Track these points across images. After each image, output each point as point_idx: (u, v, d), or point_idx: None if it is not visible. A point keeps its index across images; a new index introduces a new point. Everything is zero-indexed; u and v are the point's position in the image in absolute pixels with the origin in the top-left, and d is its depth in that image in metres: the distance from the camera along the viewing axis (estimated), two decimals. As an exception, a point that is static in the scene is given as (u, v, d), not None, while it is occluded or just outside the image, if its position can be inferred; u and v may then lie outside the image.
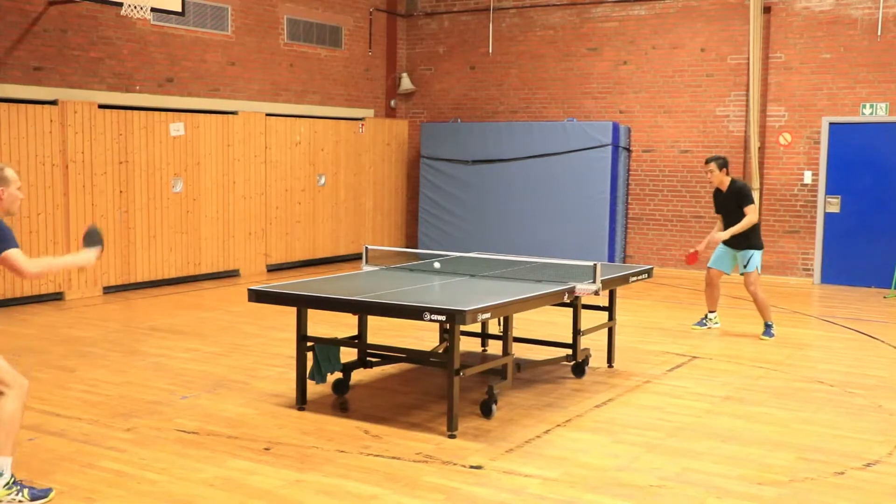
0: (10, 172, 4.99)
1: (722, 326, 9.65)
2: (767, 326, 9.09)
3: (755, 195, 13.29)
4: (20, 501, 4.57)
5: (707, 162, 9.07)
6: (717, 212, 9.28)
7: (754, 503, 4.78)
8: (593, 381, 7.32)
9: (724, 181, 9.01)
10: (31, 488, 4.64)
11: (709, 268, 9.44)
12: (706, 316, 9.57)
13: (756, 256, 8.99)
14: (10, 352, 8.12)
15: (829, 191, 13.02)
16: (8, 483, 4.56)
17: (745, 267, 9.03)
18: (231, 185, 12.90)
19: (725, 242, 9.12)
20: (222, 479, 5.01)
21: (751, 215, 8.85)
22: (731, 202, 8.98)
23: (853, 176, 12.86)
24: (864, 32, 12.60)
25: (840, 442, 5.80)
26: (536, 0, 15.00)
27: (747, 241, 8.99)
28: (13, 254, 4.70)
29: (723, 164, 8.99)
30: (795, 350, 8.62)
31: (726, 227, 9.06)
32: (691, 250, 9.35)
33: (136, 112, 11.65)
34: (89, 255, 4.95)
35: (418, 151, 15.80)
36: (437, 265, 7.52)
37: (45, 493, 4.66)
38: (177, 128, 12.09)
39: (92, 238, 5.03)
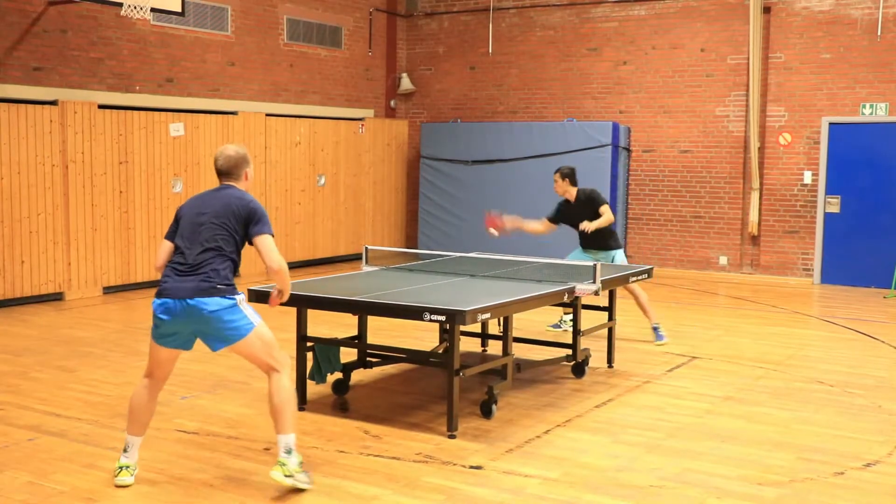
0: (248, 154, 5.11)
1: (722, 326, 9.64)
2: (655, 329, 8.79)
3: (755, 195, 13.33)
4: (304, 481, 4.73)
5: (556, 171, 8.82)
6: (560, 222, 8.92)
7: (754, 503, 4.78)
8: (593, 381, 7.32)
9: (571, 192, 8.76)
10: (306, 473, 4.81)
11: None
12: (561, 318, 9.22)
13: (619, 255, 8.82)
14: (11, 352, 8.13)
15: (829, 191, 13.02)
16: (300, 462, 4.73)
17: (612, 261, 8.74)
18: (231, 186, 12.88)
19: (585, 245, 8.88)
20: (222, 479, 5.01)
21: (609, 213, 8.67)
22: (585, 210, 8.67)
23: (853, 176, 12.86)
24: (863, 32, 12.60)
25: (840, 442, 5.80)
26: (536, 0, 15.00)
27: (607, 241, 8.79)
28: (273, 241, 4.85)
29: (565, 174, 8.73)
30: (795, 350, 8.62)
31: (580, 235, 8.83)
32: (493, 215, 8.88)
33: (136, 112, 11.65)
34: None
35: (418, 152, 15.80)
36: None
37: (309, 479, 4.83)
38: (177, 128, 12.09)
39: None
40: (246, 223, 4.82)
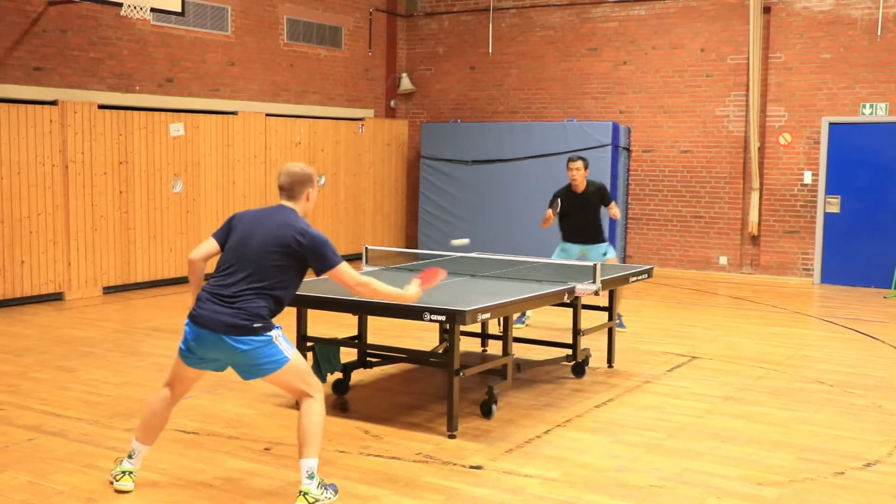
0: (315, 174, 4.92)
1: (722, 326, 9.65)
2: (618, 317, 8.81)
3: (755, 195, 13.33)
4: (329, 499, 4.63)
5: (575, 159, 8.89)
6: (560, 211, 8.93)
7: (754, 503, 4.78)
8: (593, 381, 7.32)
9: (584, 182, 8.96)
10: (330, 484, 4.73)
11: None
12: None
13: (610, 248, 9.09)
14: (11, 352, 8.13)
15: (829, 191, 13.02)
16: (320, 483, 4.61)
17: (604, 255, 8.94)
18: (231, 186, 12.90)
19: (575, 240, 9.04)
20: (222, 479, 5.01)
21: (618, 210, 8.99)
22: (589, 202, 8.90)
23: (853, 176, 12.86)
24: (863, 32, 12.60)
25: (840, 442, 5.80)
26: (536, 0, 15.00)
27: (599, 235, 9.02)
28: (345, 268, 4.72)
29: (588, 164, 8.95)
30: (795, 350, 8.62)
31: (574, 227, 8.98)
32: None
33: (136, 112, 11.65)
34: (412, 290, 5.00)
35: (418, 152, 15.80)
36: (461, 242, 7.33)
37: (335, 487, 4.75)
38: (177, 128, 12.09)
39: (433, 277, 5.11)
40: (303, 258, 4.64)
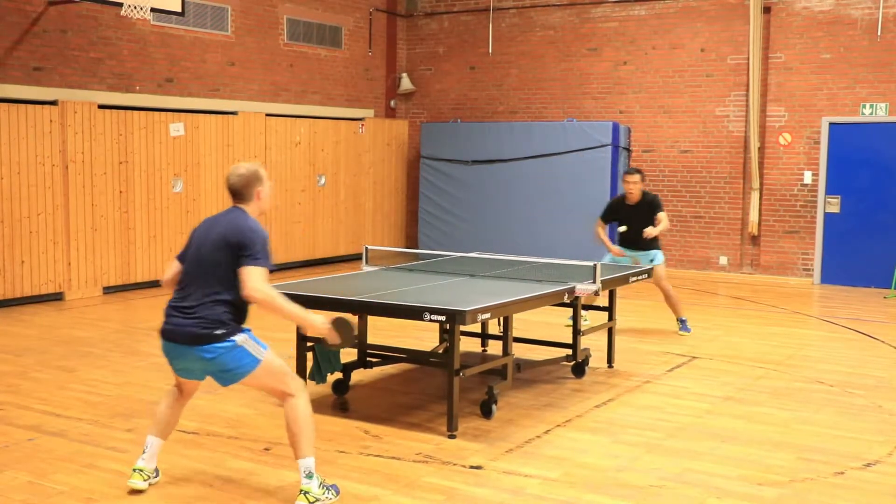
0: (263, 171, 4.78)
1: (722, 326, 9.65)
2: (682, 322, 9.25)
3: (755, 195, 13.33)
4: (330, 499, 4.63)
5: (632, 172, 9.13)
6: (610, 221, 9.40)
7: (754, 503, 4.78)
8: (593, 381, 7.32)
9: (639, 194, 9.14)
10: (332, 485, 4.71)
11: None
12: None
13: (659, 254, 9.16)
14: (11, 352, 8.13)
15: (829, 191, 13.02)
16: (321, 483, 4.62)
17: (652, 261, 9.03)
18: (231, 186, 12.87)
19: (628, 245, 9.20)
20: (222, 479, 5.01)
21: (666, 219, 9.07)
22: (643, 212, 9.03)
23: (853, 176, 12.86)
24: (864, 32, 12.60)
25: (840, 442, 5.80)
26: (536, 0, 15.00)
27: (651, 243, 9.12)
28: (258, 273, 4.48)
29: (644, 177, 9.22)
30: (795, 350, 8.62)
31: (628, 236, 9.16)
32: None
33: (136, 112, 11.65)
34: (320, 321, 4.69)
35: (418, 152, 15.80)
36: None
37: (336, 487, 4.74)
38: (177, 128, 12.09)
39: (342, 327, 4.78)
40: (237, 254, 4.51)
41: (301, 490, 4.56)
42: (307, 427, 4.60)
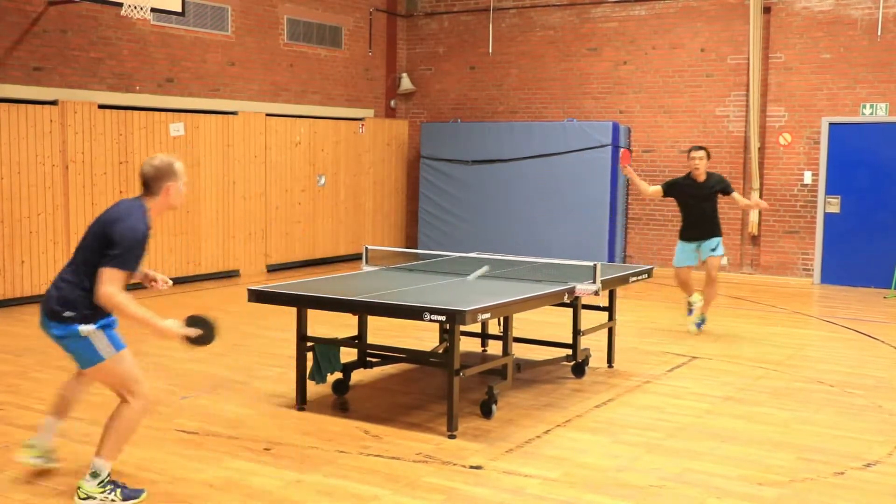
0: (179, 166, 4.67)
1: (722, 326, 9.64)
2: (702, 321, 9.23)
3: (755, 195, 13.32)
4: (112, 500, 4.58)
5: (698, 149, 9.08)
6: (671, 196, 9.38)
7: (754, 503, 4.78)
8: (593, 381, 7.32)
9: (704, 172, 9.13)
10: (123, 488, 4.65)
11: (677, 267, 9.40)
12: (689, 303, 9.40)
13: (721, 244, 9.20)
14: (11, 352, 8.13)
15: (829, 191, 13.02)
16: (102, 482, 4.58)
17: (713, 250, 9.09)
18: (231, 186, 12.90)
19: (692, 237, 9.19)
20: (222, 479, 5.01)
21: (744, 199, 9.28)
22: (712, 192, 9.07)
23: (853, 176, 12.86)
24: (864, 32, 12.60)
25: (840, 442, 5.80)
26: (536, 0, 15.00)
27: (716, 228, 9.15)
28: (118, 275, 4.41)
29: (709, 154, 9.19)
30: (795, 350, 8.62)
31: (692, 218, 9.16)
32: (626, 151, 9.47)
33: (136, 112, 11.65)
34: (173, 326, 4.53)
35: (418, 152, 15.80)
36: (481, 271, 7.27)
37: (137, 494, 4.68)
38: (177, 128, 12.09)
39: (200, 325, 4.59)
40: (104, 250, 4.42)
41: (78, 485, 4.59)
42: (123, 435, 4.60)
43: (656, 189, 9.41)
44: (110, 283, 4.39)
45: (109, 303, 4.40)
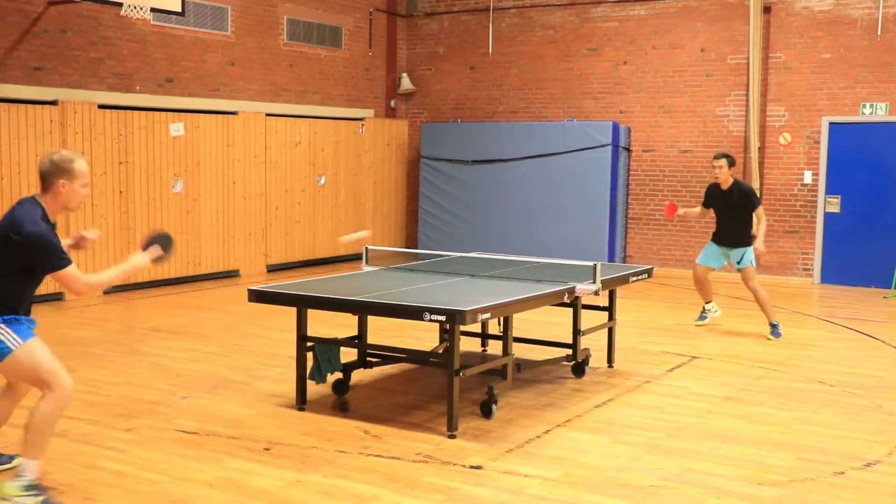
0: (78, 165, 4.57)
1: (722, 326, 9.64)
2: (773, 326, 9.08)
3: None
4: (39, 501, 4.47)
5: (718, 157, 9.17)
6: (708, 206, 9.49)
7: (754, 503, 4.78)
8: (593, 381, 7.32)
9: (729, 180, 9.15)
10: (47, 499, 4.51)
11: (697, 264, 9.54)
12: (704, 309, 9.64)
13: (749, 252, 9.11)
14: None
15: (829, 191, 13.02)
16: (27, 485, 4.46)
17: (738, 263, 9.13)
18: (231, 186, 12.90)
19: (719, 242, 9.30)
20: (222, 479, 5.01)
21: (764, 217, 9.20)
22: (733, 202, 9.10)
23: (853, 176, 12.86)
24: (864, 32, 12.60)
25: (840, 442, 5.80)
26: (536, 0, 15.00)
27: (742, 238, 9.14)
28: (71, 271, 4.46)
29: (732, 162, 9.17)
30: (795, 350, 8.62)
31: (719, 225, 9.30)
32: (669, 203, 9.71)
33: (136, 112, 11.65)
34: (141, 257, 4.73)
35: (418, 152, 15.80)
36: None
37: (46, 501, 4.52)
38: (177, 128, 12.09)
39: (158, 241, 4.81)
40: (20, 255, 4.43)
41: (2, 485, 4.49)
42: (43, 430, 4.48)
43: (702, 209, 9.67)
44: (80, 279, 4.49)
45: (94, 290, 4.60)
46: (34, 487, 4.47)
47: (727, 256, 9.29)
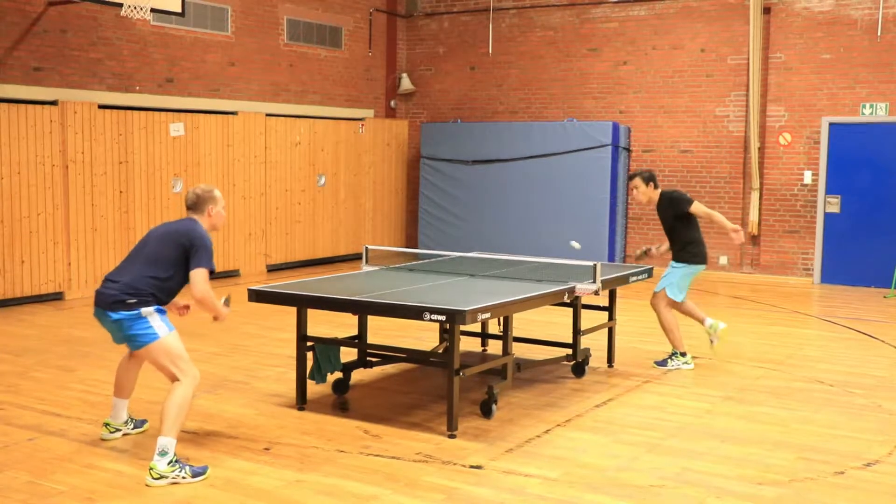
0: (218, 193, 5.52)
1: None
2: (670, 356, 7.84)
3: (755, 195, 13.32)
4: (183, 478, 4.90)
5: (631, 178, 8.01)
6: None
7: (754, 503, 4.78)
8: (593, 381, 7.32)
9: (654, 196, 8.02)
10: (191, 467, 4.99)
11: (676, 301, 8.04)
12: (707, 331, 8.09)
13: (675, 274, 8.01)
14: (11, 352, 8.13)
15: (829, 191, 13.02)
16: (171, 461, 4.92)
17: (659, 281, 8.05)
18: (231, 186, 12.89)
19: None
20: (222, 479, 5.01)
21: (703, 209, 7.91)
22: (666, 214, 8.07)
23: (853, 176, 12.85)
24: (864, 32, 12.60)
25: (840, 442, 5.80)
26: (536, 0, 15.00)
27: (681, 252, 8.08)
28: (206, 275, 5.23)
29: (649, 178, 7.92)
30: (795, 350, 8.62)
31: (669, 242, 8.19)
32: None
33: (136, 112, 11.65)
34: (223, 308, 5.54)
35: (418, 152, 15.80)
36: (575, 245, 7.39)
37: (203, 470, 5.02)
38: (177, 128, 12.09)
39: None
40: (186, 253, 5.24)
41: (150, 466, 4.92)
42: (180, 411, 5.05)
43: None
44: (203, 283, 5.24)
45: (206, 299, 5.29)
46: (177, 462, 4.96)
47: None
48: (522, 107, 15.28)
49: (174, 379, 5.15)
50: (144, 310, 5.16)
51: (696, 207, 7.86)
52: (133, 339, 5.21)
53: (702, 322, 8.07)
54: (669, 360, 7.82)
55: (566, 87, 14.88)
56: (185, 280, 5.28)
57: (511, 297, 6.12)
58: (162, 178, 11.95)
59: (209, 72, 12.90)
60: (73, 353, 8.11)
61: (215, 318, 5.52)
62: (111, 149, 11.34)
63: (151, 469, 4.89)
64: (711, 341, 8.07)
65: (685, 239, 8.01)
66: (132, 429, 5.74)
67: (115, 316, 5.16)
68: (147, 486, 4.85)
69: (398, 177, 16.07)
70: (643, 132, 14.32)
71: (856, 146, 12.81)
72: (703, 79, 13.82)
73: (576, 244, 7.57)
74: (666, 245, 8.33)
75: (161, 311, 5.25)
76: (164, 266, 5.24)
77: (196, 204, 5.45)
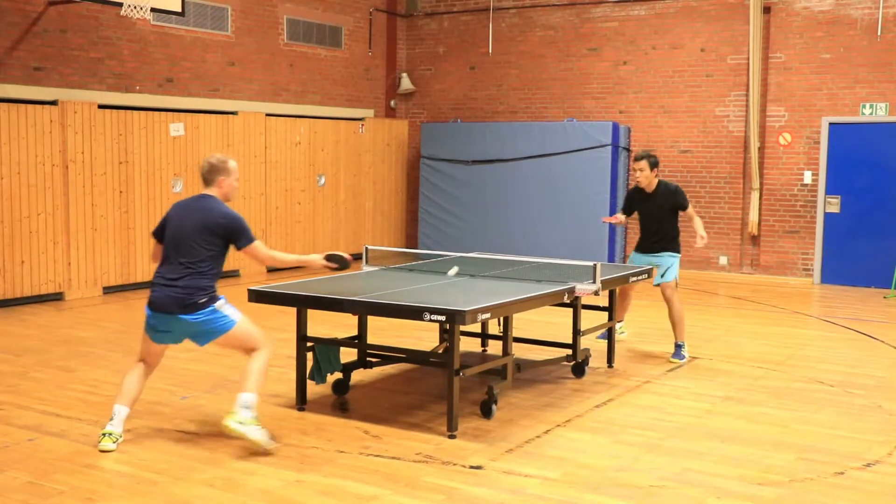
0: (233, 164, 5.63)
1: (722, 326, 9.64)
2: (678, 347, 8.04)
3: (755, 195, 13.33)
4: (257, 433, 5.28)
5: (638, 159, 8.02)
6: (630, 212, 8.39)
7: (754, 503, 4.78)
8: (593, 381, 7.32)
9: (653, 182, 8.07)
10: (265, 431, 5.36)
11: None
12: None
13: (677, 264, 8.12)
14: (11, 352, 8.13)
15: (829, 191, 13.02)
16: (255, 418, 5.32)
17: (662, 276, 8.04)
18: (231, 186, 12.88)
19: (644, 249, 8.21)
20: (222, 479, 5.01)
21: (697, 216, 8.24)
22: (660, 204, 8.05)
23: (853, 176, 12.86)
24: (864, 32, 12.60)
25: (840, 442, 5.80)
26: (536, 0, 15.00)
27: (671, 245, 8.13)
28: (259, 244, 5.50)
29: (655, 163, 8.02)
30: (795, 350, 8.62)
31: (644, 232, 8.24)
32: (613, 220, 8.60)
33: (136, 112, 11.65)
34: (319, 258, 5.77)
35: (418, 152, 15.80)
36: (452, 271, 7.22)
37: (271, 442, 5.37)
38: (177, 128, 12.09)
39: (338, 260, 5.81)
40: (225, 238, 5.43)
41: (233, 411, 5.28)
42: (261, 374, 5.43)
43: (620, 216, 8.52)
44: (263, 250, 5.52)
45: (276, 263, 5.69)
46: (257, 423, 5.33)
47: (653, 266, 8.08)
48: (522, 107, 15.29)
49: (252, 351, 5.47)
50: (217, 304, 5.37)
51: (690, 206, 8.33)
52: (212, 333, 5.40)
53: (620, 319, 8.64)
54: (682, 351, 8.10)
55: (566, 87, 14.88)
56: (221, 266, 5.51)
57: (511, 297, 6.12)
58: (162, 178, 11.95)
59: (209, 72, 12.90)
60: (73, 354, 8.11)
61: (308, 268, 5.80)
62: (111, 149, 11.34)
63: (234, 413, 5.25)
64: (621, 333, 8.76)
65: (676, 231, 8.30)
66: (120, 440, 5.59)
67: (192, 318, 5.31)
68: (226, 426, 5.24)
69: (398, 177, 16.07)
70: (643, 132, 14.32)
71: (856, 146, 12.82)
72: (703, 79, 13.82)
73: (452, 272, 7.20)
74: (624, 219, 8.61)
75: (226, 299, 5.47)
76: (210, 258, 5.39)
77: (209, 173, 5.55)
